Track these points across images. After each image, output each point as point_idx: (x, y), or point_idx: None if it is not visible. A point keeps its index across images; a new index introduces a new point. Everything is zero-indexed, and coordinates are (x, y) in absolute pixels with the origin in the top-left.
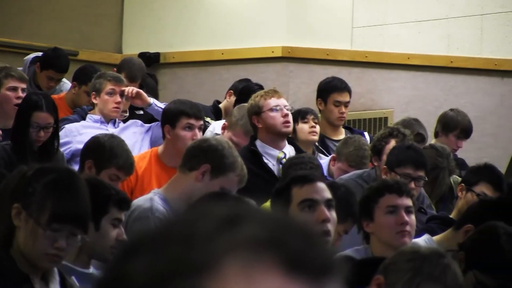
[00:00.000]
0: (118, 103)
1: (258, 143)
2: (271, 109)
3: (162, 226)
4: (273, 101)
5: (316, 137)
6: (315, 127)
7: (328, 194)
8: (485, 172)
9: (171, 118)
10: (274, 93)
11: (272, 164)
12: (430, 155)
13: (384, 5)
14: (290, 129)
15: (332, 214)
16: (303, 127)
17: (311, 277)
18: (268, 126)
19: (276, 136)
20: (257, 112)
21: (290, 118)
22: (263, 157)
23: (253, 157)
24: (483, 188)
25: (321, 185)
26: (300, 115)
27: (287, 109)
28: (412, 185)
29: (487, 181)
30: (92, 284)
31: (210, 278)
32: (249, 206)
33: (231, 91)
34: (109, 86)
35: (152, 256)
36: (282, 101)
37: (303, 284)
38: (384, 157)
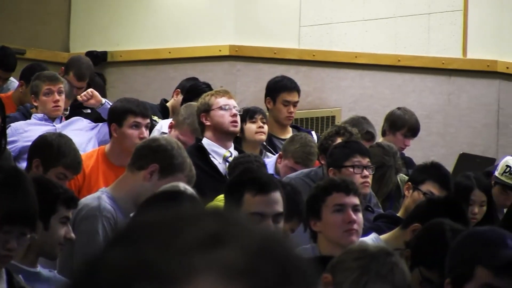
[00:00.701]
0: (56, 101)
1: (205, 141)
2: (221, 108)
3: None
4: (223, 100)
5: (263, 137)
6: (263, 127)
7: (279, 208)
8: (432, 170)
9: (117, 116)
10: (225, 93)
11: (218, 162)
12: (377, 154)
13: (332, 4)
14: (238, 129)
15: (278, 228)
16: (251, 127)
17: None
18: (216, 124)
19: (223, 135)
20: (206, 109)
21: (238, 119)
22: (210, 155)
23: (200, 154)
24: (430, 187)
25: (274, 196)
26: (248, 114)
27: (236, 110)
28: (366, 172)
29: (433, 179)
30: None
31: None
32: (240, 225)
33: (178, 89)
34: (45, 87)
35: (130, 252)
36: (232, 102)
37: None
38: None
